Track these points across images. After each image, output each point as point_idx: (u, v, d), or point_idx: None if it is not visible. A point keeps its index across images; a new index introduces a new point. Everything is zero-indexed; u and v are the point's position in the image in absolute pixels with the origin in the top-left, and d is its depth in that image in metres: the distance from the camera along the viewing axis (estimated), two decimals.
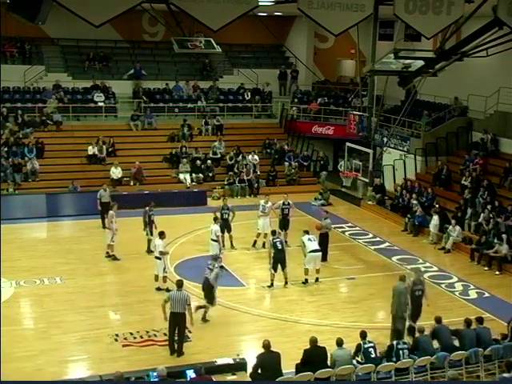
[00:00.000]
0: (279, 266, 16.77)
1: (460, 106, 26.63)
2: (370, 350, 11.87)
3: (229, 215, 19.46)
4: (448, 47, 16.19)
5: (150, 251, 18.75)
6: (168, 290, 15.70)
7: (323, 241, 18.54)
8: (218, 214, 19.15)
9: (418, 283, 13.96)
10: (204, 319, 14.69)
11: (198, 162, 26.83)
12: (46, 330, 14.17)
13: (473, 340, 12.52)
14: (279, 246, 16.70)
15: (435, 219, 21.13)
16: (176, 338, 13.22)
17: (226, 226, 19.33)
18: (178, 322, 13.08)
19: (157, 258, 16.30)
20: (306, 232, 17.41)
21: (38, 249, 19.60)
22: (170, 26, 15.87)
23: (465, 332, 12.63)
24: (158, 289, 16.27)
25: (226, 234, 19.43)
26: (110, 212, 18.50)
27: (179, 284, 13.24)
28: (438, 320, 12.86)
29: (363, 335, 12.17)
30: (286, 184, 27.27)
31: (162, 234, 16.48)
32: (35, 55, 30.20)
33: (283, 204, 19.90)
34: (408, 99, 25.80)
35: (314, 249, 17.00)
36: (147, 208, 19.01)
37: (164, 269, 16.28)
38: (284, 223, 19.92)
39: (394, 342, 12.11)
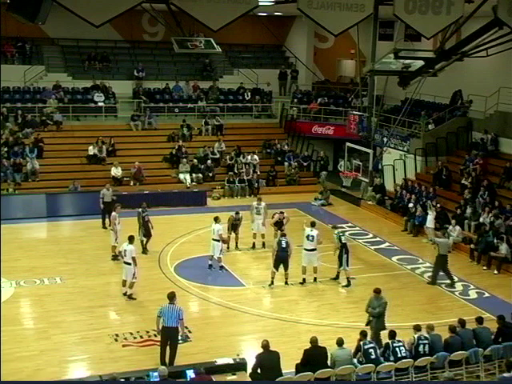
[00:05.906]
0: (281, 266, 16.75)
1: (465, 106, 26.62)
2: (371, 350, 11.83)
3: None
4: (448, 47, 16.21)
5: (144, 252, 18.79)
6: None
7: (440, 263, 17.55)
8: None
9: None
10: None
11: (196, 161, 26.78)
12: (46, 330, 14.15)
13: (471, 340, 12.50)
14: (283, 245, 16.69)
15: (431, 214, 21.08)
16: (168, 352, 12.40)
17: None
18: (170, 336, 12.37)
19: (126, 263, 15.61)
20: (312, 225, 17.41)
21: (38, 249, 19.59)
22: (170, 26, 15.89)
23: (462, 333, 12.58)
24: (128, 295, 15.78)
25: (233, 235, 19.51)
26: (113, 213, 18.42)
27: (170, 297, 12.44)
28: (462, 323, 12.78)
29: (364, 334, 12.15)
30: (286, 184, 27.24)
31: (131, 239, 15.73)
32: (35, 55, 30.21)
33: (279, 219, 19.59)
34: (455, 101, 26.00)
35: (306, 248, 17.03)
36: (140, 209, 19.00)
37: (134, 274, 15.56)
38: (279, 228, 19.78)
39: (390, 341, 12.09)
